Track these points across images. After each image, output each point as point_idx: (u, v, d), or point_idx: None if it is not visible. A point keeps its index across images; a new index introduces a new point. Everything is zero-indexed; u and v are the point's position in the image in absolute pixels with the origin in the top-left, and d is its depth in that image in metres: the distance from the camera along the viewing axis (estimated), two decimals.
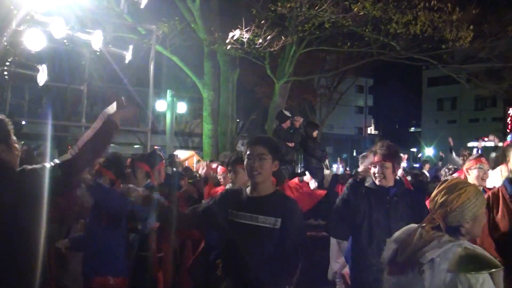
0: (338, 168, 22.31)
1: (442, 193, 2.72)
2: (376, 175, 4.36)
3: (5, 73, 6.45)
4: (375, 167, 4.38)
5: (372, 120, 56.48)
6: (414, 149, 44.03)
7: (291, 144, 10.68)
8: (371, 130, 55.82)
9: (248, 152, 3.50)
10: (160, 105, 18.84)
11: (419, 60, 14.59)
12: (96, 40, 6.92)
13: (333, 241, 8.41)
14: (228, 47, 10.71)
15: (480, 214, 2.67)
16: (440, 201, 2.70)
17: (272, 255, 3.40)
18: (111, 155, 5.19)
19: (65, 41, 6.95)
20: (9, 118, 6.58)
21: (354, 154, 43.65)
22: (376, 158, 4.38)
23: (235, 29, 10.37)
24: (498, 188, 4.19)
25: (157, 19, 10.89)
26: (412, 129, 61.24)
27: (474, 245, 2.59)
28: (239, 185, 4.50)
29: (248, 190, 3.59)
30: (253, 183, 3.55)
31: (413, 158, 40.47)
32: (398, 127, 63.23)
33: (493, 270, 2.46)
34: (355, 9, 11.19)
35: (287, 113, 11.04)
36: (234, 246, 3.50)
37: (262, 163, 3.45)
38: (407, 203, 4.34)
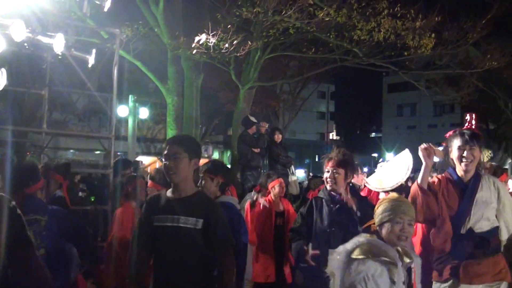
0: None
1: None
2: (328, 180, 4.43)
3: None
4: (327, 172, 4.45)
5: (334, 125, 57.08)
6: (375, 154, 44.54)
7: (257, 150, 10.66)
8: (333, 135, 56.38)
9: (164, 152, 3.50)
10: (122, 111, 18.59)
11: (380, 67, 14.78)
12: (58, 43, 6.71)
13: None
14: (194, 51, 10.61)
15: (386, 223, 3.11)
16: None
17: (196, 257, 3.40)
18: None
19: (25, 44, 6.72)
20: None
21: (317, 159, 43.97)
22: (330, 164, 4.44)
23: (200, 34, 10.28)
24: (443, 175, 4.33)
25: (121, 23, 10.70)
26: (373, 134, 62.20)
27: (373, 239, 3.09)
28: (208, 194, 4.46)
29: (169, 193, 3.56)
30: (172, 184, 3.54)
31: (374, 163, 40.95)
32: (359, 133, 64.12)
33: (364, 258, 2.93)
34: (320, 15, 11.24)
35: (253, 119, 11.02)
36: (161, 249, 3.47)
37: (177, 162, 3.43)
38: (348, 211, 4.36)
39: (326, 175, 4.47)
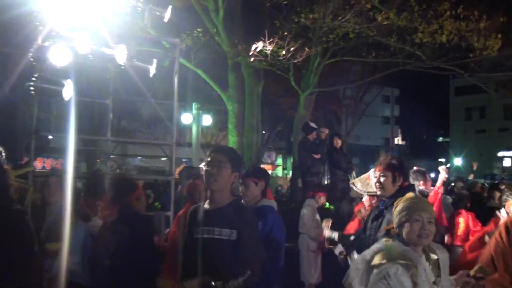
0: None
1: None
2: (376, 184, 4.36)
3: (32, 88, 6.52)
4: (376, 176, 4.38)
5: (399, 130, 55.99)
6: (442, 159, 43.34)
7: (317, 156, 10.64)
8: (398, 140, 55.34)
9: (208, 159, 3.49)
10: (186, 118, 18.91)
11: (445, 70, 14.38)
12: (120, 54, 6.95)
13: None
14: (252, 59, 10.71)
15: (406, 223, 3.05)
16: None
17: (232, 267, 3.35)
18: None
19: (90, 56, 7.01)
20: (36, 133, 6.66)
21: None
22: (378, 168, 4.38)
23: (258, 41, 10.38)
24: None
25: (181, 32, 10.96)
26: (440, 139, 60.42)
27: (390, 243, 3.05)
28: (250, 199, 4.51)
29: (206, 204, 3.56)
30: (210, 192, 3.55)
31: None
32: (426, 137, 62.43)
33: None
34: (379, 19, 11.11)
35: (313, 125, 11.00)
36: (195, 258, 3.45)
37: (221, 170, 3.43)
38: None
39: (373, 179, 4.44)
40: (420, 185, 7.32)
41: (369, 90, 29.86)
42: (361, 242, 4.38)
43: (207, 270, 3.38)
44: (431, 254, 3.07)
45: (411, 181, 7.78)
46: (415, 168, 7.44)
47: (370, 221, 4.41)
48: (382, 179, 4.29)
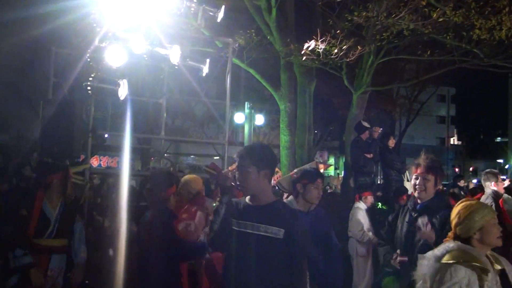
0: None
1: (455, 212, 3.29)
2: (417, 187, 4.30)
3: (89, 88, 6.73)
4: (416, 178, 4.32)
5: (455, 130, 54.67)
6: (500, 160, 42.10)
7: (370, 156, 10.51)
8: (454, 140, 54.04)
9: (236, 165, 3.51)
10: (239, 117, 19.05)
11: (504, 67, 13.92)
12: (174, 54, 7.09)
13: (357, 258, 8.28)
14: (304, 58, 10.67)
15: (487, 226, 3.13)
16: (452, 218, 3.29)
17: (275, 266, 3.32)
18: None
19: (144, 56, 7.17)
20: (93, 131, 6.87)
21: None
22: (419, 170, 4.31)
23: (310, 40, 10.33)
24: None
25: (234, 32, 11.03)
26: (498, 139, 58.63)
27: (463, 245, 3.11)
28: (308, 201, 4.53)
29: (247, 200, 3.53)
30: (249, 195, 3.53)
31: (499, 170, 38.75)
32: (483, 137, 60.74)
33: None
34: (435, 15, 10.85)
35: (366, 124, 10.88)
36: (237, 255, 3.43)
37: (245, 175, 3.41)
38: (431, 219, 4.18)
39: (414, 181, 4.34)
40: (492, 186, 7.23)
41: (424, 89, 29.26)
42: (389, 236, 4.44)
43: (250, 265, 3.35)
44: (494, 263, 3.08)
45: (483, 182, 7.66)
46: (487, 170, 7.41)
47: (401, 218, 4.41)
48: (425, 182, 4.25)
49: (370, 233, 8.14)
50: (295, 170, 5.29)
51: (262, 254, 3.33)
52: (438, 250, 3.08)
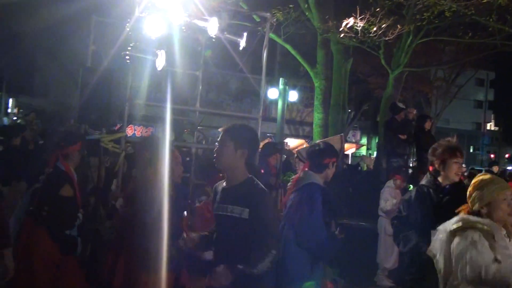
0: None
1: (469, 186, 3.39)
2: (459, 173, 4.42)
3: (127, 57, 6.80)
4: (458, 163, 4.41)
5: (492, 115, 53.52)
6: None
7: (403, 137, 10.43)
8: (490, 126, 52.95)
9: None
10: (272, 93, 19.02)
11: None
12: (212, 27, 7.08)
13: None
14: (342, 35, 10.58)
15: (496, 201, 3.20)
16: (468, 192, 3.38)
17: (243, 246, 3.33)
18: None
19: (183, 27, 7.19)
20: (129, 101, 6.95)
21: (471, 150, 41.61)
22: (460, 156, 4.41)
23: (349, 18, 10.23)
24: None
25: (272, 7, 10.98)
26: None
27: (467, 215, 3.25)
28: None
29: (224, 182, 3.60)
30: (223, 173, 3.63)
31: None
32: None
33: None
34: None
35: (401, 105, 10.80)
36: (215, 238, 3.57)
37: (222, 150, 3.46)
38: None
39: (458, 166, 4.41)
40: None
41: (462, 72, 28.61)
42: None
43: (223, 247, 3.46)
44: None
45: None
46: None
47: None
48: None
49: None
50: (317, 141, 5.26)
51: (229, 235, 3.41)
52: (447, 224, 3.23)
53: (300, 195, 4.38)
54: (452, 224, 3.20)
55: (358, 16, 10.03)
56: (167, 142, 4.80)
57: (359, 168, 15.33)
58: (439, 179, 4.43)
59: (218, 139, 3.54)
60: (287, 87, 18.83)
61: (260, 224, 3.34)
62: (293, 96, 20.93)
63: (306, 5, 12.03)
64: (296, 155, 5.67)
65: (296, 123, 29.01)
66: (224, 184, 3.59)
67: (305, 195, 4.35)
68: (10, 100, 26.03)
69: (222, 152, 3.47)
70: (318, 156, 4.60)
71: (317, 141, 5.33)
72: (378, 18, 10.23)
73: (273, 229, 3.50)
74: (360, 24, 10.08)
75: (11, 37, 15.28)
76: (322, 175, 4.51)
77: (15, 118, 24.12)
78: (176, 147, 6.22)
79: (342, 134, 8.49)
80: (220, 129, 3.64)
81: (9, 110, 25.54)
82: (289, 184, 4.85)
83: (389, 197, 8.43)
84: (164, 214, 4.10)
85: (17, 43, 15.46)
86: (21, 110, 25.32)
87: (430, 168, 4.55)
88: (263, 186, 3.54)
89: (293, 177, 4.83)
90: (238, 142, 3.47)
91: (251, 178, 3.57)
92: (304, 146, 17.89)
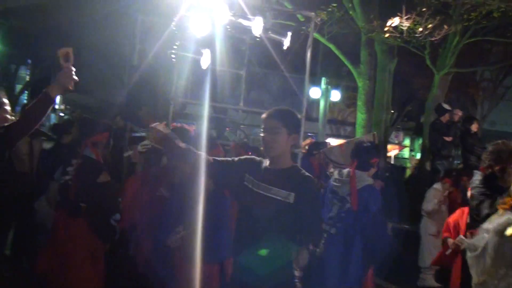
0: None
1: None
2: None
3: (173, 55, 6.89)
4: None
5: None
6: None
7: (448, 138, 10.27)
8: None
9: (262, 126, 3.41)
10: (314, 92, 18.96)
11: None
12: (257, 26, 7.11)
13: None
14: (387, 35, 10.44)
15: None
16: None
17: (283, 229, 3.28)
18: None
19: (227, 26, 7.24)
20: (174, 99, 7.04)
21: None
22: None
23: (394, 17, 10.09)
24: None
25: (316, 6, 10.92)
26: None
27: None
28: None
29: (267, 162, 3.49)
30: (269, 158, 3.47)
31: None
32: None
33: None
34: None
35: (446, 106, 10.65)
36: (247, 213, 3.42)
37: (275, 136, 3.35)
38: None
39: None
40: None
41: (510, 73, 27.84)
42: None
43: (259, 225, 3.35)
44: None
45: None
46: None
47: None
48: None
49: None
50: (345, 141, 5.24)
51: (271, 215, 3.31)
52: (496, 223, 3.14)
53: (362, 198, 4.43)
54: (504, 226, 3.13)
55: (403, 15, 9.88)
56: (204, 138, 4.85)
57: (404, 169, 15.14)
58: (498, 182, 4.29)
59: (267, 126, 3.41)
60: (329, 86, 18.81)
61: (306, 210, 3.33)
62: (335, 95, 20.81)
63: (350, 4, 11.91)
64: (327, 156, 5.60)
65: (337, 122, 28.79)
66: (267, 164, 3.50)
67: (366, 197, 4.41)
68: (58, 97, 26.68)
69: (276, 140, 3.38)
70: (366, 154, 4.64)
71: (349, 140, 5.34)
72: (425, 18, 10.04)
73: (318, 218, 3.52)
74: (406, 24, 9.92)
75: (58, 35, 15.63)
76: (369, 173, 4.58)
77: (62, 114, 24.73)
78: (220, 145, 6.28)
79: (374, 132, 8.43)
80: (263, 116, 3.48)
81: (56, 107, 26.21)
82: (336, 182, 4.86)
83: (432, 198, 8.33)
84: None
85: (63, 41, 15.82)
86: (67, 107, 25.96)
87: (482, 169, 4.42)
88: (309, 174, 3.51)
89: (345, 176, 4.82)
90: (290, 127, 3.41)
91: (296, 166, 3.58)
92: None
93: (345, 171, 4.83)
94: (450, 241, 4.78)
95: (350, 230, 4.49)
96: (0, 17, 17.09)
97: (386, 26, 10.25)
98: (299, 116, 7.34)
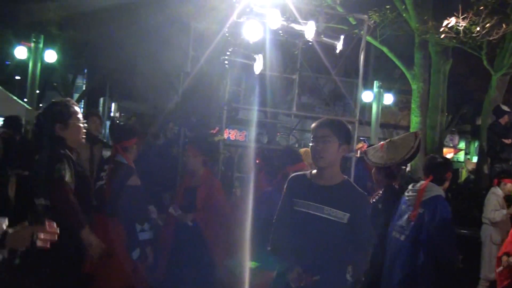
0: None
1: None
2: None
3: (226, 62, 6.94)
4: None
5: None
6: None
7: (508, 141, 9.99)
8: None
9: (312, 135, 3.32)
10: (367, 96, 18.77)
11: None
12: (309, 30, 7.08)
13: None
14: (442, 36, 10.21)
15: None
16: None
17: (337, 249, 3.21)
18: None
19: (280, 31, 7.25)
20: (228, 104, 7.08)
21: None
22: None
23: (449, 18, 9.86)
24: None
25: (368, 9, 10.81)
26: None
27: None
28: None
29: (314, 176, 3.37)
30: (318, 169, 3.36)
31: None
32: None
33: None
34: None
35: (505, 108, 10.36)
36: (297, 235, 3.31)
37: (326, 146, 3.25)
38: None
39: None
40: None
41: None
42: None
43: (310, 247, 3.27)
44: None
45: None
46: None
47: None
48: None
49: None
50: (385, 141, 5.21)
51: (324, 236, 3.24)
52: None
53: (432, 209, 4.39)
54: None
55: (460, 15, 9.64)
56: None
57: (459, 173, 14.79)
58: None
59: (318, 135, 3.34)
60: (381, 90, 18.57)
61: (360, 229, 3.27)
62: (388, 99, 20.55)
63: (403, 6, 11.74)
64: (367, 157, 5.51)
65: (390, 126, 28.39)
66: (314, 180, 3.41)
67: (438, 208, 4.41)
68: (113, 105, 27.41)
69: (327, 149, 3.30)
70: (441, 169, 4.68)
71: (389, 139, 5.28)
72: (482, 18, 9.77)
73: (370, 236, 3.43)
74: (462, 24, 9.67)
75: (113, 45, 16.02)
76: (443, 187, 4.59)
77: (117, 122, 25.37)
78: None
79: (417, 131, 8.25)
80: (313, 125, 3.40)
81: (112, 114, 26.88)
82: (409, 194, 4.83)
83: (498, 207, 7.93)
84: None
85: (118, 50, 16.19)
86: (122, 114, 26.58)
87: None
88: (361, 190, 3.44)
89: (417, 188, 4.78)
90: (342, 137, 3.34)
91: (348, 180, 3.49)
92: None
93: (419, 184, 4.80)
94: (504, 258, 4.62)
95: (418, 238, 4.45)
96: (57, 28, 17.63)
97: (441, 27, 10.02)
98: (353, 120, 7.27)
